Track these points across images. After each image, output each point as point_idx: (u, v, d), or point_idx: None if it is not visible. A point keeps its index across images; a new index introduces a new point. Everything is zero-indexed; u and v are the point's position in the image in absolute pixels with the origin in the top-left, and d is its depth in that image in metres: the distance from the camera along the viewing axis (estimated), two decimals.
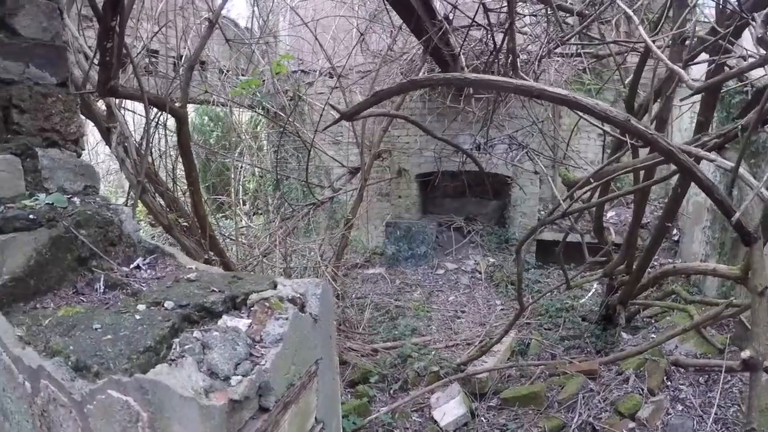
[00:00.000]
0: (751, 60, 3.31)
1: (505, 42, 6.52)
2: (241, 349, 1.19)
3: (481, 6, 5.93)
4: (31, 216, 1.58)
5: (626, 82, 6.79)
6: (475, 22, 6.95)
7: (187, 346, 1.16)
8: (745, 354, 2.41)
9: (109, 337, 1.24)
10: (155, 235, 9.48)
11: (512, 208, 12.26)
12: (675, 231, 10.66)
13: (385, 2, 7.12)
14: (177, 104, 4.35)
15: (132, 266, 1.72)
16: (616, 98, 10.80)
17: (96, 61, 3.16)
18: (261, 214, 12.39)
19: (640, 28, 3.88)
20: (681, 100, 5.45)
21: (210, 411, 1.03)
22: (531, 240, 11.34)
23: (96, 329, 1.29)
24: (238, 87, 6.20)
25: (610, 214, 11.37)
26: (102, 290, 1.57)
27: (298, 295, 1.43)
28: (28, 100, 1.84)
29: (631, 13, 3.98)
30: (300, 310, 1.40)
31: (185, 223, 4.77)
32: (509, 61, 6.43)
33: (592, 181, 4.71)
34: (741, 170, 2.66)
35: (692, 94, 3.20)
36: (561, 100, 2.83)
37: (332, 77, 9.80)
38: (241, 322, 1.29)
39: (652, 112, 5.23)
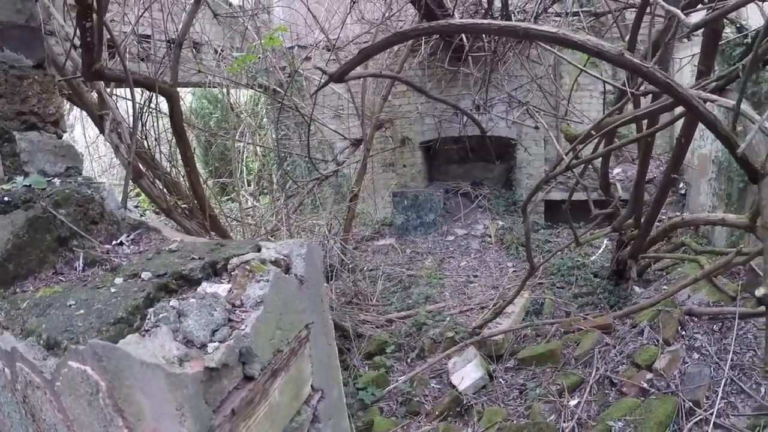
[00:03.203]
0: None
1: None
2: (219, 314, 1.12)
3: None
4: (6, 198, 1.52)
5: (625, 39, 6.69)
6: None
7: (161, 315, 1.10)
8: (759, 292, 2.35)
9: (81, 312, 1.18)
10: (161, 222, 9.45)
11: (518, 170, 12.16)
12: (681, 184, 10.56)
13: None
14: (168, 84, 4.28)
15: (114, 243, 1.66)
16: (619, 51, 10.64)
17: (78, 43, 3.09)
18: (266, 193, 12.34)
19: None
20: (680, 37, 5.33)
21: (180, 379, 0.95)
22: (539, 200, 11.30)
23: (70, 306, 1.23)
24: (234, 62, 6.12)
25: (616, 170, 11.27)
26: (81, 268, 1.51)
27: (282, 257, 1.36)
28: (3, 83, 1.77)
29: None
30: (285, 271, 1.34)
31: (185, 206, 4.72)
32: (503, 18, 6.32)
33: (594, 133, 4.62)
34: (743, 107, 2.58)
35: (690, 32, 3.11)
36: (549, 38, 2.75)
37: (329, 50, 9.70)
38: (221, 288, 1.23)
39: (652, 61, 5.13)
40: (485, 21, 2.97)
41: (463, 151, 12.37)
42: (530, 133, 11.64)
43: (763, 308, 5.10)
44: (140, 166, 4.78)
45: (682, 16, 2.93)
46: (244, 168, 11.71)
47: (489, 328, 6.73)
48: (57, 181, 1.73)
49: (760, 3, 3.13)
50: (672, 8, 3.03)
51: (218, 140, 12.00)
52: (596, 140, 5.37)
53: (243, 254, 1.36)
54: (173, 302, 1.17)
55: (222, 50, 9.01)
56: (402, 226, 12.15)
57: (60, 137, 1.93)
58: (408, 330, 7.39)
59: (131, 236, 1.70)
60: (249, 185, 12.49)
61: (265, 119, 12.65)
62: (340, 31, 8.57)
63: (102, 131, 4.58)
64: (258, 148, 12.16)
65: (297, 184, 9.38)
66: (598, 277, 8.39)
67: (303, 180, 9.86)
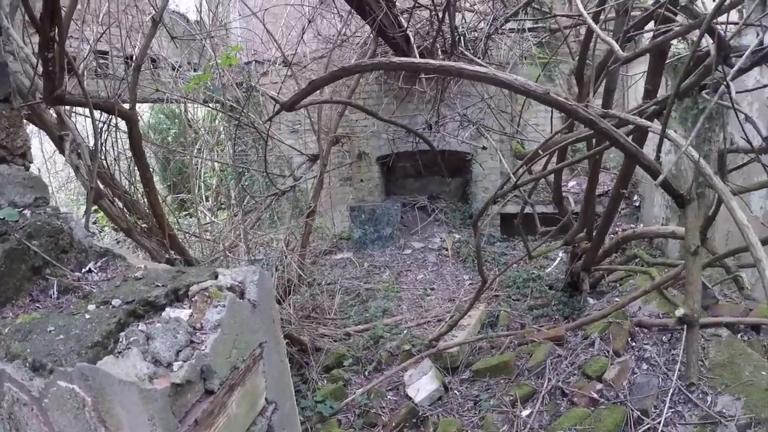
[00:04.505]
0: (677, 28, 3.44)
1: (446, 21, 6.61)
2: (182, 337, 1.27)
3: None
4: None
5: (575, 58, 6.93)
6: (418, 3, 6.99)
7: (132, 338, 1.24)
8: (680, 312, 2.53)
9: (61, 337, 1.32)
10: (120, 240, 9.43)
11: (474, 183, 12.34)
12: (636, 197, 10.87)
13: None
14: (126, 106, 4.38)
15: (84, 271, 1.78)
16: (571, 71, 10.91)
17: (40, 72, 3.19)
18: (224, 208, 12.38)
19: (578, 2, 3.98)
20: (628, 74, 5.55)
21: (151, 394, 1.12)
22: (494, 213, 11.52)
23: (50, 331, 1.36)
24: (191, 81, 6.21)
25: (571, 183, 11.53)
26: (56, 296, 1.63)
27: (237, 283, 1.51)
28: None
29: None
30: (239, 296, 1.49)
31: (145, 225, 4.80)
32: (451, 41, 6.50)
33: (541, 152, 4.82)
34: (668, 131, 2.76)
35: (621, 63, 3.31)
36: (479, 78, 2.91)
37: (286, 66, 9.80)
38: (183, 313, 1.38)
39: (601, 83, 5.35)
40: (422, 60, 3.12)
41: (418, 166, 12.55)
42: (482, 148, 11.86)
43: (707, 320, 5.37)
44: (100, 185, 4.85)
45: (615, 46, 3.12)
46: (202, 184, 11.73)
47: (445, 341, 6.88)
48: (28, 212, 1.83)
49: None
50: (607, 38, 3.23)
51: (176, 156, 11.99)
52: (548, 157, 5.56)
53: (202, 281, 1.50)
54: (141, 326, 1.32)
55: (179, 67, 9.07)
56: (359, 239, 12.27)
57: (27, 169, 2.03)
58: (365, 343, 7.51)
59: (99, 263, 1.83)
60: (207, 200, 12.51)
61: (222, 135, 12.70)
62: (296, 48, 8.69)
63: (62, 152, 4.65)
64: (216, 163, 12.19)
65: (255, 200, 9.45)
66: (553, 289, 8.61)
67: (261, 195, 9.93)
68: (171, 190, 14.13)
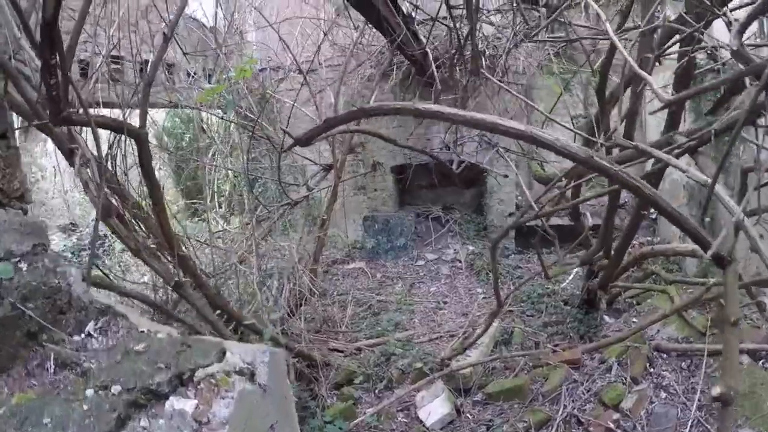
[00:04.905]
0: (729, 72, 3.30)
1: (468, 42, 6.50)
2: None
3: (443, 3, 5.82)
4: None
5: (595, 67, 6.80)
6: (438, 20, 6.87)
7: None
8: (716, 391, 2.32)
9: None
10: (130, 262, 9.32)
11: (489, 195, 12.19)
12: (653, 209, 10.70)
13: (345, 2, 7.03)
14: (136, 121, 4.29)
15: (83, 335, 1.69)
16: (588, 80, 10.76)
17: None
18: (236, 214, 12.29)
19: (608, 25, 3.82)
20: (650, 113, 5.39)
21: None
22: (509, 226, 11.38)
23: (46, 424, 1.27)
24: (204, 94, 6.16)
25: (587, 193, 11.38)
26: (52, 370, 1.54)
27: (246, 365, 1.41)
28: None
29: (600, 11, 3.95)
30: (249, 380, 1.39)
31: (154, 245, 4.72)
32: (471, 60, 6.37)
33: (563, 180, 4.71)
34: (718, 188, 2.57)
35: (662, 108, 3.13)
36: (516, 135, 2.75)
37: (300, 73, 9.73)
38: (188, 404, 1.28)
39: (623, 102, 5.20)
40: (451, 110, 2.95)
41: (433, 178, 12.42)
42: (501, 159, 11.68)
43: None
44: (110, 199, 4.78)
45: (654, 85, 2.95)
46: (215, 189, 11.66)
47: (457, 360, 6.78)
48: (24, 265, 1.73)
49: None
50: (644, 74, 3.07)
51: (190, 163, 11.94)
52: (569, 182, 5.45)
53: (208, 365, 1.40)
54: (143, 422, 1.22)
55: (194, 73, 9.01)
56: (373, 249, 12.18)
57: (25, 212, 1.90)
58: (377, 360, 7.40)
59: (99, 324, 1.74)
60: (220, 207, 12.44)
61: (236, 140, 12.61)
62: (314, 58, 8.62)
63: (72, 165, 4.57)
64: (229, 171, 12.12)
65: (267, 210, 9.37)
66: (568, 304, 8.45)
67: (273, 205, 9.84)
68: (184, 194, 14.12)
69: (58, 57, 2.71)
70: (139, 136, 4.22)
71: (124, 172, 5.54)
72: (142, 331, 1.67)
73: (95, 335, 1.69)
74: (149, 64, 6.63)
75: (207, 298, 5.19)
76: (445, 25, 7.46)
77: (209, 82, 8.98)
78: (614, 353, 5.90)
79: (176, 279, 4.43)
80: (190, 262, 4.94)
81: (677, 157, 3.25)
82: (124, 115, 4.78)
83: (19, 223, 1.82)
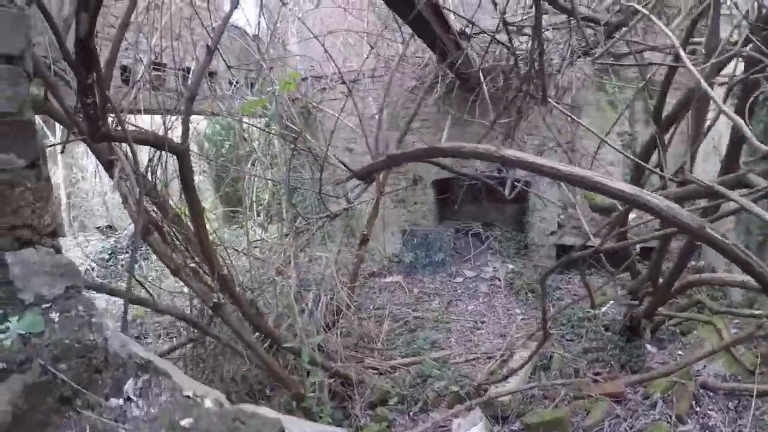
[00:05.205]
0: None
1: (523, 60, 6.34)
2: None
3: (501, 21, 5.64)
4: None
5: (646, 80, 6.62)
6: (495, 39, 6.68)
7: None
8: None
9: None
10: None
11: (531, 212, 11.93)
12: None
13: (396, 17, 6.89)
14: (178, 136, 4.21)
15: (122, 399, 1.55)
16: (636, 97, 10.46)
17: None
18: (274, 222, 12.24)
19: (682, 52, 3.58)
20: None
21: None
22: (550, 245, 11.17)
23: None
24: (247, 105, 6.11)
25: (631, 216, 11.10)
26: None
27: None
28: None
29: (670, 33, 3.74)
30: None
31: (193, 264, 4.64)
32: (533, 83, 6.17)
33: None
34: None
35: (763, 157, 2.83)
36: (623, 198, 2.52)
37: (344, 83, 9.65)
38: None
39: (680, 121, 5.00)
40: (547, 162, 2.66)
41: (476, 191, 12.23)
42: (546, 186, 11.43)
43: None
44: (150, 215, 4.73)
45: (744, 126, 2.76)
46: (254, 198, 11.62)
47: (495, 386, 6.60)
48: (56, 315, 1.58)
49: None
50: (734, 116, 2.86)
51: (231, 171, 11.93)
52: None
53: None
54: None
55: (237, 82, 8.99)
56: (410, 264, 12.07)
57: (58, 251, 1.75)
58: (412, 380, 7.24)
59: (139, 384, 1.60)
60: (258, 215, 12.40)
61: (277, 149, 12.60)
62: (357, 73, 8.53)
63: (112, 177, 4.52)
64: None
65: (306, 221, 9.29)
66: (609, 330, 8.19)
67: (312, 216, 9.77)
68: (223, 200, 14.15)
69: (95, 76, 2.62)
70: (180, 152, 4.13)
71: (164, 184, 5.49)
72: (188, 396, 1.53)
73: (135, 398, 1.55)
74: (191, 73, 6.61)
75: (245, 316, 5.10)
76: (503, 45, 7.26)
77: (251, 91, 8.93)
78: (659, 388, 5.69)
79: (215, 300, 4.33)
80: (229, 282, 4.83)
81: (755, 201, 2.98)
82: (165, 125, 4.70)
83: (50, 264, 1.66)
